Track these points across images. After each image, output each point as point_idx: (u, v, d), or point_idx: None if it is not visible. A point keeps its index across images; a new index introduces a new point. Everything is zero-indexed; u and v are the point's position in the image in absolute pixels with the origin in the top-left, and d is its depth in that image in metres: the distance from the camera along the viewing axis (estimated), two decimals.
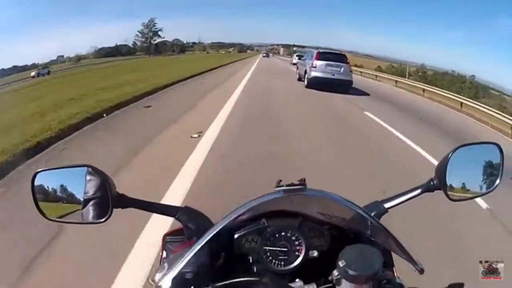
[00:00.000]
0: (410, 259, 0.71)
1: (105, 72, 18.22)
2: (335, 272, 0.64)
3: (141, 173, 3.58)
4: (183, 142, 4.69)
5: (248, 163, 3.94)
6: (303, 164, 3.93)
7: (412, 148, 5.43)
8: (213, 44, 42.68)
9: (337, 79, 11.13)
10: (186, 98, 8.68)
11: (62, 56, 26.83)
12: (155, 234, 2.13)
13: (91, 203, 0.73)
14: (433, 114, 9.93)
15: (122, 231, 2.17)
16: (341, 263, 0.63)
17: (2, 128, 5.38)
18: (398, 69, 23.48)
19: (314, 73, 11.20)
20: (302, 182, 0.73)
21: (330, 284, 0.66)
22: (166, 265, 0.71)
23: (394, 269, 0.78)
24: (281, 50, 46.80)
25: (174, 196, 2.93)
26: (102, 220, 0.73)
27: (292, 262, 0.76)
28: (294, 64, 23.26)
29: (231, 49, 43.83)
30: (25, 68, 21.64)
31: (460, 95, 13.18)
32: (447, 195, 0.82)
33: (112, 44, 32.03)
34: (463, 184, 0.84)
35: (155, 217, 2.24)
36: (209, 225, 0.77)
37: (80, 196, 0.74)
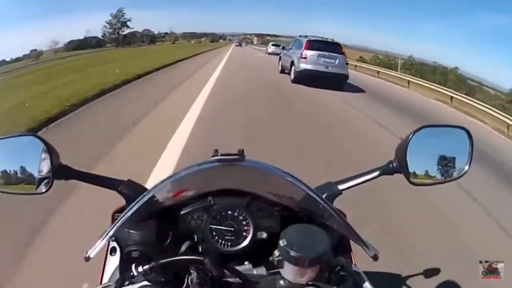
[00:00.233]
0: (362, 243, 0.66)
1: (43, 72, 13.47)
2: (276, 253, 0.59)
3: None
4: None
5: None
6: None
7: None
8: (185, 34, 41.51)
9: (331, 72, 9.32)
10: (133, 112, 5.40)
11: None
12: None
13: (32, 173, 0.71)
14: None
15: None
16: (282, 243, 0.58)
17: None
18: (384, 61, 22.03)
19: (303, 65, 9.33)
20: (240, 153, 0.70)
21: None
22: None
23: (352, 254, 0.75)
24: (255, 39, 46.29)
25: None
26: (42, 191, 0.71)
27: (240, 243, 0.74)
28: (270, 53, 22.87)
29: (203, 39, 42.76)
30: None
31: (452, 91, 11.60)
32: (408, 179, 0.76)
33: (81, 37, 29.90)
34: (426, 168, 0.78)
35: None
36: None
37: (22, 166, 0.72)
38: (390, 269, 1.84)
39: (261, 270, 0.67)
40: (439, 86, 12.29)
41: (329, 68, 9.36)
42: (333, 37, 10.38)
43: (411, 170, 0.76)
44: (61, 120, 4.94)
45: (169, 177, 0.70)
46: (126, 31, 32.42)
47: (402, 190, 2.15)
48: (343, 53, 9.79)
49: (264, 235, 0.74)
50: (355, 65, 16.44)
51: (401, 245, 2.34)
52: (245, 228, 0.75)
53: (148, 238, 0.68)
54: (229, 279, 0.63)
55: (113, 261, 0.71)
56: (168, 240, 0.74)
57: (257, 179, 0.78)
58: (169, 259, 0.61)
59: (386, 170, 0.79)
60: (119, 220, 0.64)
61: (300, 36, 10.69)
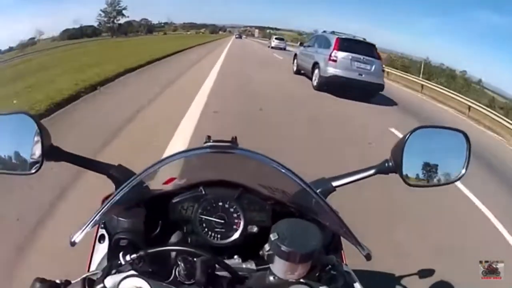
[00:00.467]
0: (356, 242, 0.64)
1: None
2: (267, 247, 0.57)
3: None
4: None
5: None
6: None
7: None
8: (185, 25, 41.11)
9: (365, 81, 7.46)
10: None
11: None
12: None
13: (22, 153, 0.70)
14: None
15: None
16: (273, 237, 0.56)
17: None
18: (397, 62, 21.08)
19: (332, 70, 7.40)
20: (233, 141, 0.68)
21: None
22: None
23: (342, 253, 0.73)
24: (256, 32, 45.98)
25: None
26: (32, 171, 0.70)
27: (230, 236, 0.73)
28: (273, 47, 21.82)
29: (202, 30, 42.38)
30: None
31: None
32: (403, 179, 0.74)
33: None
34: (422, 170, 0.76)
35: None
36: None
37: (12, 145, 0.71)
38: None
39: (251, 265, 0.65)
40: (458, 94, 11.26)
41: (363, 75, 7.50)
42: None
43: (406, 170, 0.74)
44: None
45: (159, 161, 0.67)
46: (122, 20, 31.91)
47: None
48: (379, 58, 7.96)
49: (255, 229, 0.73)
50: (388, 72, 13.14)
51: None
52: (236, 221, 0.73)
53: (137, 226, 0.67)
54: (218, 273, 0.61)
55: (102, 249, 0.70)
56: (157, 230, 0.73)
57: (249, 169, 0.76)
58: (157, 249, 0.60)
59: (382, 169, 0.76)
60: (106, 205, 0.62)
61: (325, 32, 8.74)
